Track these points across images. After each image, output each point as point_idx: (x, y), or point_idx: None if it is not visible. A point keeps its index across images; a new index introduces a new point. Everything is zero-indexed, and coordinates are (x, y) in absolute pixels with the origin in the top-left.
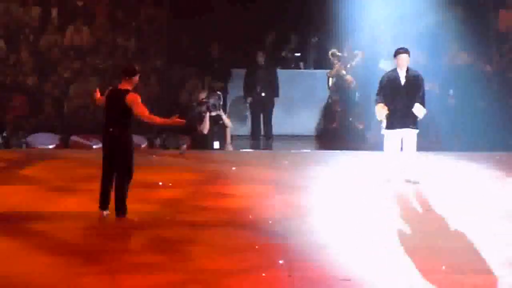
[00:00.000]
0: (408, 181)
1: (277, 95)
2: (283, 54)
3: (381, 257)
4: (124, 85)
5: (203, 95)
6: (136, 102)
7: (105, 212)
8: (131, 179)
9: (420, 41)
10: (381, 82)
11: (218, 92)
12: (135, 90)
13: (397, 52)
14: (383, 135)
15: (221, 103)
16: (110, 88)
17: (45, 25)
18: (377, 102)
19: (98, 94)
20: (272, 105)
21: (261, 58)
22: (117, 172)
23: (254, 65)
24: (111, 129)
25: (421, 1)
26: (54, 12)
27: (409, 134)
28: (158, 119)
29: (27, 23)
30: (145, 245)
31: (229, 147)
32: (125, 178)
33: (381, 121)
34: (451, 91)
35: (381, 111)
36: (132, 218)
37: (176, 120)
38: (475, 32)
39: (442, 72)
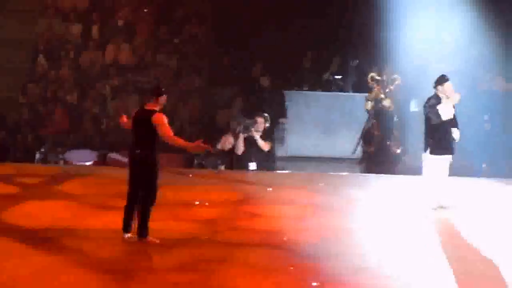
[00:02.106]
0: (442, 207)
1: (284, 116)
2: (325, 76)
3: (417, 282)
4: (151, 106)
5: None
6: (162, 123)
7: (127, 235)
8: (154, 202)
9: (459, 65)
10: (430, 106)
11: (265, 114)
12: (162, 110)
13: (443, 80)
14: (420, 160)
15: (268, 125)
16: (137, 109)
17: (86, 42)
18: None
19: (124, 119)
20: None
21: (266, 81)
22: (141, 193)
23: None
24: (137, 151)
25: (458, 28)
26: (95, 29)
27: (449, 160)
28: (181, 142)
29: (69, 39)
30: (181, 264)
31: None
32: (148, 201)
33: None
34: (486, 117)
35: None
36: (162, 237)
37: (200, 145)
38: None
39: (478, 97)
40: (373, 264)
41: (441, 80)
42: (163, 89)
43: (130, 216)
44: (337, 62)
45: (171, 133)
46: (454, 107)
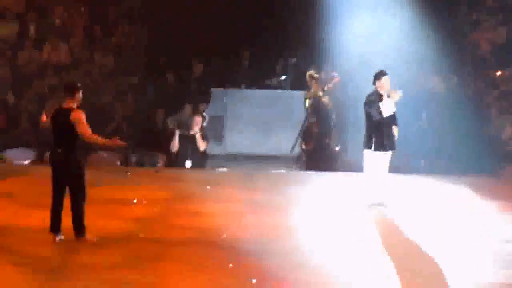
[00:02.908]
0: (381, 203)
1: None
2: (273, 81)
3: (356, 278)
4: (69, 104)
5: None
6: (80, 121)
7: (57, 238)
8: (85, 198)
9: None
10: (369, 103)
11: (203, 113)
12: (79, 107)
13: (381, 74)
14: (359, 158)
15: (205, 124)
16: (55, 108)
17: (23, 41)
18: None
19: (44, 118)
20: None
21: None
22: (71, 194)
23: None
24: (59, 150)
25: (396, 26)
26: (32, 28)
27: (389, 157)
28: (99, 139)
29: (5, 38)
30: (117, 262)
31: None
32: (79, 199)
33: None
34: (424, 115)
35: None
36: (99, 235)
37: (116, 141)
38: (451, 55)
39: (416, 95)
40: (312, 261)
41: (379, 75)
42: (78, 85)
43: (57, 217)
44: (281, 63)
45: (89, 131)
46: (395, 104)
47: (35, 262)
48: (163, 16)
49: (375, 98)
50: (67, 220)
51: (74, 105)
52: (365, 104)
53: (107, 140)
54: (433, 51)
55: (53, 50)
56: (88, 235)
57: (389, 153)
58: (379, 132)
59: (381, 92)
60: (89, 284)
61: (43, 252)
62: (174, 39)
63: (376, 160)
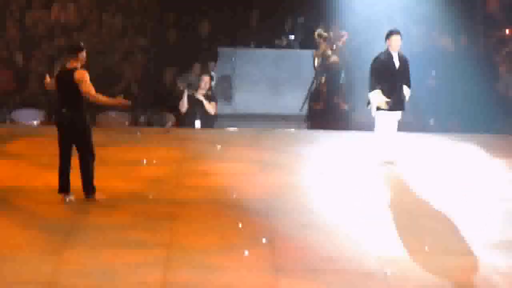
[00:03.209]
0: (391, 162)
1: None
2: (278, 41)
3: (364, 237)
4: (72, 63)
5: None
6: (83, 80)
7: (67, 198)
8: (94, 158)
9: (405, 22)
10: (375, 67)
11: (212, 73)
12: (84, 67)
13: (390, 34)
14: (370, 116)
15: (213, 83)
16: (59, 69)
17: (31, 2)
18: (373, 87)
19: (47, 79)
20: None
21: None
22: (78, 154)
23: None
24: (63, 110)
25: None
26: None
27: (399, 116)
28: (103, 99)
29: None
30: (129, 222)
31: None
32: (87, 158)
33: (368, 104)
34: (433, 72)
35: (379, 98)
36: (109, 196)
37: (120, 100)
38: (460, 14)
39: (424, 54)
40: (321, 220)
41: (388, 34)
42: (81, 45)
43: (65, 178)
44: (289, 23)
45: (93, 91)
46: (403, 62)
47: (43, 222)
48: None
49: (384, 58)
50: (77, 181)
51: (78, 65)
52: (372, 63)
53: (111, 99)
54: (442, 10)
55: (62, 11)
56: (97, 195)
57: (398, 113)
58: (389, 92)
59: (391, 51)
60: (99, 244)
61: (52, 213)
62: None
63: (384, 119)
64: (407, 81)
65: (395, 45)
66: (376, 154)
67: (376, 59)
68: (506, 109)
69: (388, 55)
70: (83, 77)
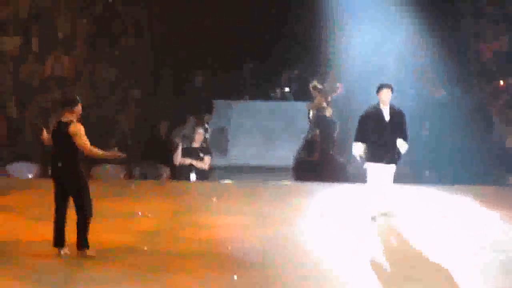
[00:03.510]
0: (385, 214)
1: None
2: (276, 93)
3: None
4: (67, 117)
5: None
6: (78, 134)
7: (62, 251)
8: (91, 213)
9: (400, 74)
10: (363, 118)
11: (206, 125)
12: (79, 120)
13: (380, 87)
14: (363, 168)
15: (208, 136)
16: (56, 121)
17: (26, 55)
18: (355, 138)
19: (45, 134)
20: None
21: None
22: (75, 206)
23: None
24: (59, 164)
25: (399, 35)
26: (35, 41)
27: (391, 170)
28: (98, 152)
29: (7, 51)
30: (122, 275)
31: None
32: (84, 213)
33: (360, 157)
34: (427, 124)
35: (358, 149)
36: (103, 248)
37: (115, 153)
38: (455, 65)
39: (419, 106)
40: (318, 273)
41: (378, 87)
42: (77, 98)
43: (60, 232)
44: (284, 75)
45: (88, 144)
46: (395, 115)
47: (38, 276)
48: (167, 29)
49: (372, 111)
50: (72, 233)
51: (74, 118)
52: (361, 115)
53: (106, 152)
54: (437, 62)
55: (56, 63)
56: (89, 252)
57: (389, 166)
58: (377, 145)
59: (381, 104)
60: None
61: (47, 266)
62: (178, 51)
63: (374, 171)
64: (401, 135)
65: (385, 99)
66: (368, 206)
67: (365, 112)
68: (501, 159)
69: (377, 108)
70: (79, 130)
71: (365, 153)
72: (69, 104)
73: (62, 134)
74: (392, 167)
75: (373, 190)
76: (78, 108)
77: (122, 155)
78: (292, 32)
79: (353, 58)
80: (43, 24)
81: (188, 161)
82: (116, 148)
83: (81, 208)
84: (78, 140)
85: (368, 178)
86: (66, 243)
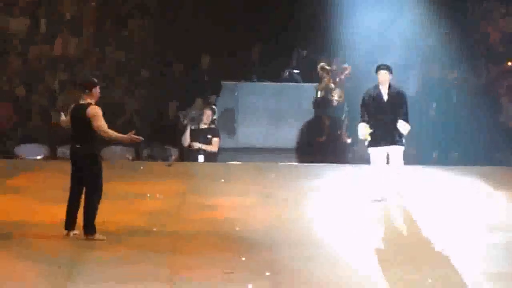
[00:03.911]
0: (392, 197)
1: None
2: (286, 73)
3: (369, 270)
4: (86, 99)
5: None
6: (96, 116)
7: (71, 233)
8: (100, 197)
9: (408, 55)
10: (363, 99)
11: (213, 107)
12: (97, 103)
13: (378, 68)
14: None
15: (215, 117)
16: (73, 104)
17: (34, 36)
18: (359, 120)
19: (63, 117)
20: None
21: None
22: (86, 190)
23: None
24: (78, 146)
25: (406, 16)
26: (42, 23)
27: (395, 151)
28: (114, 135)
29: (15, 33)
30: (131, 256)
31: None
32: (94, 196)
33: (365, 140)
34: (434, 104)
35: (363, 130)
36: (113, 230)
37: (132, 137)
38: (462, 46)
39: (426, 87)
40: (325, 253)
41: (376, 68)
42: (95, 81)
43: (73, 215)
44: (296, 56)
45: (105, 126)
46: (394, 96)
47: (47, 257)
48: (174, 10)
49: (371, 91)
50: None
51: (92, 101)
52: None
53: (123, 136)
54: (444, 43)
55: (64, 44)
56: (96, 236)
57: (390, 147)
58: (377, 126)
59: (380, 85)
60: (102, 278)
61: (55, 247)
62: (185, 32)
63: (374, 154)
64: (401, 116)
65: (382, 79)
66: (369, 189)
67: (364, 92)
68: (508, 140)
69: (376, 88)
70: (96, 112)
71: (370, 135)
72: (87, 87)
73: (79, 116)
74: (397, 148)
75: (374, 174)
76: (97, 90)
77: (139, 138)
78: (300, 12)
79: (361, 40)
80: (51, 5)
81: (197, 145)
82: (133, 132)
83: (93, 192)
84: (96, 122)
85: (371, 163)
86: (77, 226)
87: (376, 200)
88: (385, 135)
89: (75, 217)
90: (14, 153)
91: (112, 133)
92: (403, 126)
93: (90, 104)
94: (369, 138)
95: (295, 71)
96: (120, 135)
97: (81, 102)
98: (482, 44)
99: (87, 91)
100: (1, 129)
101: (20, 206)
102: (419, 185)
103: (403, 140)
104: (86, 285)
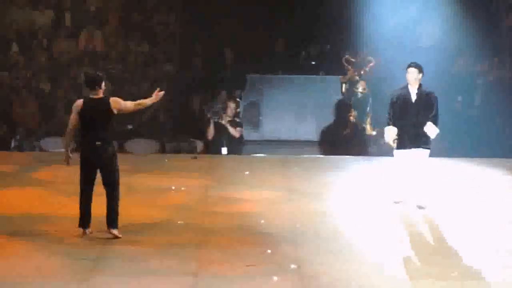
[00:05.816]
0: (418, 206)
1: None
2: (302, 57)
3: (393, 265)
4: (99, 94)
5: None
6: (120, 102)
7: (87, 230)
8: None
9: (434, 50)
10: (391, 99)
11: (237, 100)
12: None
13: (408, 66)
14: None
15: (239, 110)
16: (82, 100)
17: (58, 30)
18: (387, 121)
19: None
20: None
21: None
22: (109, 185)
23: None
24: (98, 143)
25: (432, 10)
26: (67, 16)
27: (421, 154)
28: (145, 101)
29: (40, 27)
30: (155, 250)
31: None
32: (118, 190)
33: (393, 142)
34: (459, 97)
35: (389, 134)
36: (135, 223)
37: (157, 94)
38: (489, 40)
39: (453, 79)
40: (349, 247)
41: (406, 67)
42: (101, 75)
43: (88, 213)
44: (316, 48)
45: (133, 103)
46: (423, 97)
47: (70, 250)
48: (199, 3)
49: (399, 92)
50: (99, 209)
51: (104, 94)
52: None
53: (151, 98)
54: (471, 37)
55: (89, 39)
56: (119, 232)
57: (416, 150)
58: (403, 127)
59: (409, 85)
60: (126, 272)
61: (79, 241)
62: (209, 26)
63: (399, 157)
64: (431, 118)
65: (411, 79)
66: (392, 190)
67: (392, 93)
68: None
69: (405, 88)
70: (119, 101)
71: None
72: (98, 82)
73: (100, 112)
74: (422, 152)
75: (398, 177)
76: (103, 84)
77: (162, 92)
78: (324, 7)
79: (388, 33)
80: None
81: (224, 121)
82: (158, 90)
83: (116, 187)
84: (123, 105)
85: (395, 165)
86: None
87: (398, 202)
88: (412, 137)
89: (90, 215)
90: (40, 147)
91: (144, 101)
92: (431, 129)
93: (107, 97)
94: (395, 143)
95: (313, 62)
96: (149, 99)
97: (93, 96)
98: (508, 37)
99: (97, 86)
100: (26, 123)
101: (45, 199)
102: (443, 177)
103: (430, 143)
104: (109, 279)
